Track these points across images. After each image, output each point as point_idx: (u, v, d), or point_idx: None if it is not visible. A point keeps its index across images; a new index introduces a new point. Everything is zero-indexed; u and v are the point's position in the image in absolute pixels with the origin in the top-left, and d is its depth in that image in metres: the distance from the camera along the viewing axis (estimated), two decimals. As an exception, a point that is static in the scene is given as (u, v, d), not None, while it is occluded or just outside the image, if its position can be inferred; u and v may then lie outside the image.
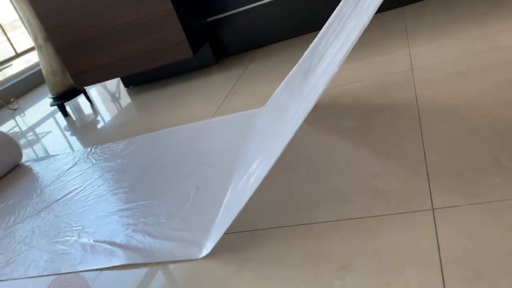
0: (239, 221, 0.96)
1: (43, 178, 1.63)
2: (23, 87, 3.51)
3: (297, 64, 1.30)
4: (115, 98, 2.47)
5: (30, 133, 2.41)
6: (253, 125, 1.38)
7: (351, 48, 0.82)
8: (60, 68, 2.27)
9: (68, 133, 2.18)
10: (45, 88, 3.53)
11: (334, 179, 0.98)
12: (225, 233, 0.94)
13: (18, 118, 2.94)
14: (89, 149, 1.73)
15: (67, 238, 1.16)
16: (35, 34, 2.18)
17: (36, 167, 1.78)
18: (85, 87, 2.39)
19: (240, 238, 0.91)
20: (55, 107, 2.46)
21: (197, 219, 1.02)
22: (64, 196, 1.41)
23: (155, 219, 1.09)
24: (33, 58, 3.85)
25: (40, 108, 2.96)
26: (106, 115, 2.24)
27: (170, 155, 1.42)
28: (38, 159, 1.86)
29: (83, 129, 2.14)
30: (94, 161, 1.60)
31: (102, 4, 2.02)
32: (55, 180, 1.56)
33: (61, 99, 2.32)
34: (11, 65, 3.25)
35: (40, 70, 3.66)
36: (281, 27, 2.20)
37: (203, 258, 0.89)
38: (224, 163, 1.23)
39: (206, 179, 1.19)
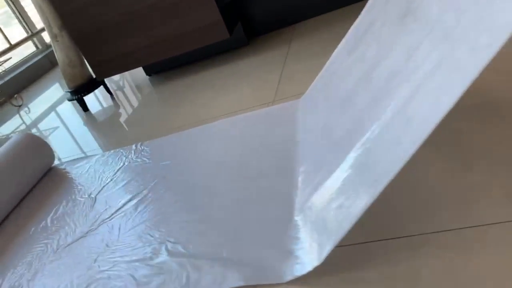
0: (373, 226, 0.83)
1: (87, 183, 1.46)
2: (23, 80, 3.26)
3: (365, 11, 1.08)
4: (137, 88, 2.28)
5: (42, 132, 2.22)
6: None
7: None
8: (78, 58, 2.06)
9: (88, 130, 2.00)
10: (46, 79, 3.30)
11: (480, 170, 0.85)
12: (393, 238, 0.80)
13: (24, 115, 2.73)
14: (134, 146, 1.56)
15: (152, 255, 1.01)
16: (48, 22, 1.96)
17: (73, 170, 1.60)
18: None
19: (396, 246, 0.78)
20: (61, 101, 2.26)
21: (320, 226, 0.87)
22: (125, 204, 1.25)
23: (262, 226, 0.94)
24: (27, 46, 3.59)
25: (45, 102, 2.74)
26: (130, 108, 2.06)
27: (240, 150, 1.27)
28: (72, 161, 1.68)
29: (108, 126, 1.96)
30: (146, 160, 1.44)
31: (125, -16, 1.82)
32: (105, 185, 1.39)
33: (80, 93, 2.12)
34: (10, 58, 3.00)
35: (39, 60, 3.41)
36: None
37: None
38: (317, 157, 1.08)
39: (303, 177, 1.04)
